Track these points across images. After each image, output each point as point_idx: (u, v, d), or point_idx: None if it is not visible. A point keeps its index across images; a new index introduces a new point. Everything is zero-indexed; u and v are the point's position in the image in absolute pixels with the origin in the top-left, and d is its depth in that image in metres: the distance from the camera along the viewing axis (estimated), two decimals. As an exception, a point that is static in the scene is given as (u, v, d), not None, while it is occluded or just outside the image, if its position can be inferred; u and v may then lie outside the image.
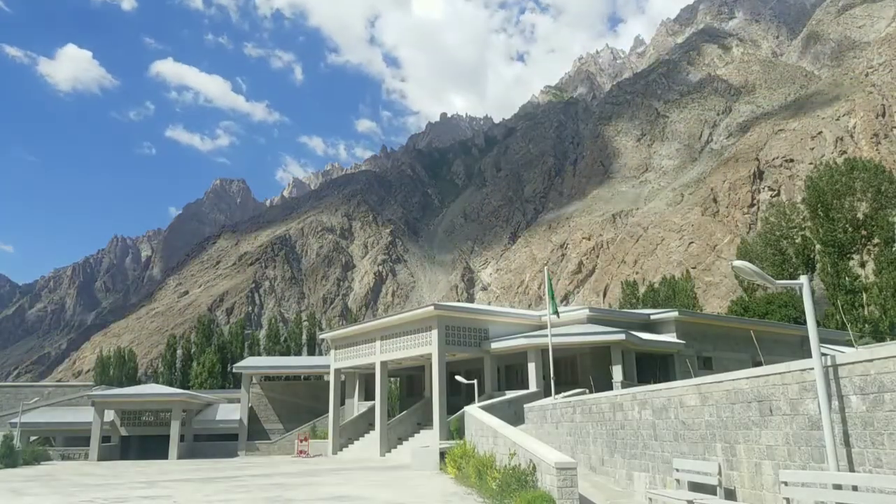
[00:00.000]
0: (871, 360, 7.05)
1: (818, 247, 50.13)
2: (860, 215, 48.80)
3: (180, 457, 40.32)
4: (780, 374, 8.67)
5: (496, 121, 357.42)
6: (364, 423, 37.64)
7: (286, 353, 71.92)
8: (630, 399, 13.54)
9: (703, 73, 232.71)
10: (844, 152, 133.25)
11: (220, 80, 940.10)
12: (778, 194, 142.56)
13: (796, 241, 53.43)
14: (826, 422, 7.43)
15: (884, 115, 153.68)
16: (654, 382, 15.19)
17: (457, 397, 33.10)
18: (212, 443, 44.29)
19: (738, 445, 9.55)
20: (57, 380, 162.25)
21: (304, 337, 78.89)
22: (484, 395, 30.17)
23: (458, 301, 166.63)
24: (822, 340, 11.37)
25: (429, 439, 29.41)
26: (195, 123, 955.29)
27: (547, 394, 25.80)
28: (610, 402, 14.76)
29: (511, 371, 33.80)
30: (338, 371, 38.29)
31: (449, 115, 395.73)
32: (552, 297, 22.98)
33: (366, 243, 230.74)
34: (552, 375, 22.08)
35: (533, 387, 28.45)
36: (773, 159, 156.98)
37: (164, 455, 40.46)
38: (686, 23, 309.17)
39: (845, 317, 43.31)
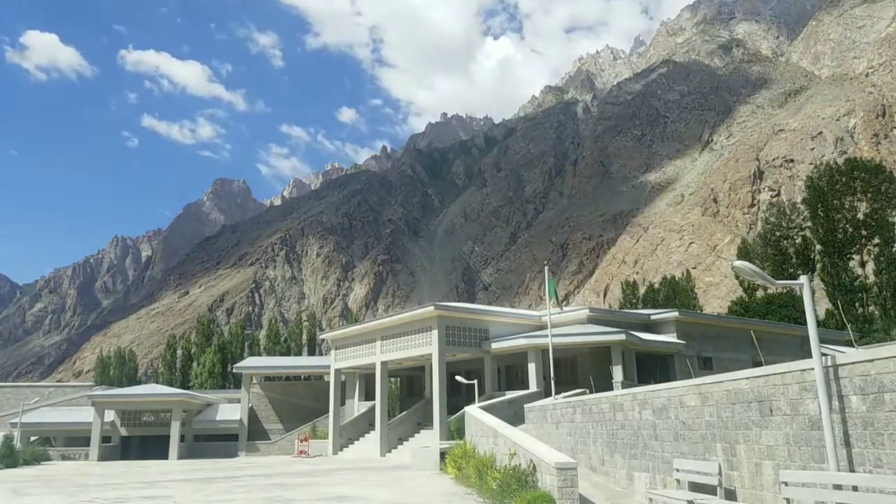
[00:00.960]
0: (871, 361, 7.04)
1: (818, 247, 50.13)
2: (860, 215, 48.80)
3: (180, 457, 40.32)
4: (780, 374, 8.67)
5: (496, 121, 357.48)
6: (364, 424, 37.65)
7: (286, 353, 71.92)
8: (630, 399, 13.54)
9: (703, 73, 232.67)
10: (844, 152, 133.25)
11: (196, 66, 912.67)
12: (778, 194, 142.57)
13: (796, 241, 53.44)
14: (826, 422, 7.42)
15: (884, 116, 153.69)
16: (655, 383, 15.19)
17: (457, 397, 33.10)
18: (212, 443, 44.29)
19: (738, 445, 9.56)
20: (57, 380, 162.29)
21: (304, 337, 78.93)
22: (484, 395, 30.17)
23: (459, 301, 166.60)
24: (823, 340, 11.36)
25: (429, 439, 29.41)
26: (172, 113, 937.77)
27: (547, 394, 25.80)
28: (610, 402, 14.76)
29: (511, 371, 33.80)
30: (338, 371, 38.29)
31: (449, 115, 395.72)
32: (554, 293, 22.96)
33: (366, 243, 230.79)
34: (552, 375, 22.08)
35: (533, 387, 28.44)
36: (774, 159, 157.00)
37: (164, 455, 40.46)
38: (686, 23, 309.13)
39: (845, 317, 43.32)
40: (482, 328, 31.38)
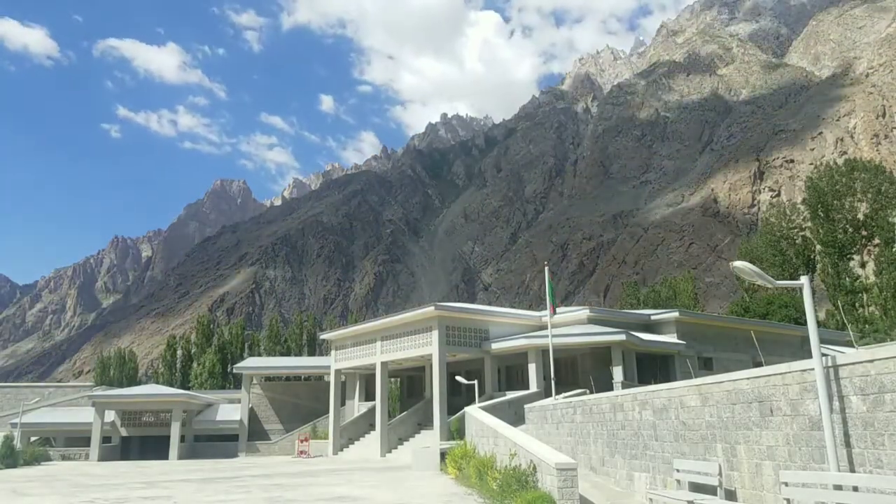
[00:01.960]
0: (871, 361, 7.05)
1: (818, 247, 50.12)
2: (860, 216, 48.78)
3: (181, 457, 40.33)
4: (780, 374, 8.67)
5: (497, 121, 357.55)
6: (364, 424, 37.64)
7: (286, 353, 71.84)
8: (630, 399, 13.55)
9: (703, 74, 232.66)
10: (845, 153, 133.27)
11: (170, 52, 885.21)
12: (778, 195, 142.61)
13: (797, 241, 53.42)
14: (826, 422, 7.42)
15: (884, 116, 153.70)
16: (655, 383, 15.19)
17: (457, 398, 33.09)
18: (212, 443, 44.30)
19: (738, 446, 9.56)
20: (57, 380, 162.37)
21: (304, 337, 78.86)
22: (484, 395, 30.16)
23: (459, 301, 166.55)
24: (823, 341, 11.37)
25: (429, 440, 29.41)
26: (149, 103, 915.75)
27: (547, 394, 25.80)
28: (610, 402, 14.76)
29: (511, 371, 33.79)
30: (338, 371, 38.29)
31: (449, 116, 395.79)
32: (551, 294, 22.94)
33: (366, 243, 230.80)
34: (552, 376, 22.07)
35: (533, 387, 28.44)
36: (774, 160, 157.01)
37: (164, 455, 40.47)
38: (687, 23, 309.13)
39: (846, 317, 43.30)
40: (482, 328, 31.38)
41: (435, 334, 29.64)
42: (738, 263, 8.20)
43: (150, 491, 18.11)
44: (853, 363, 7.30)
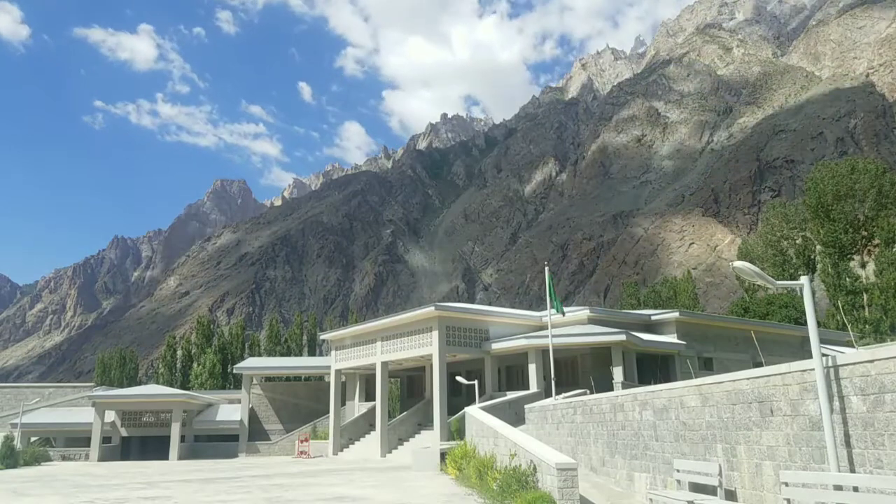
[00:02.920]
0: (871, 361, 7.04)
1: (819, 248, 50.10)
2: (861, 216, 48.78)
3: (181, 457, 40.32)
4: (780, 374, 8.66)
5: (497, 121, 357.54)
6: (365, 424, 37.64)
7: (287, 353, 71.82)
8: (631, 400, 13.54)
9: (703, 74, 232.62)
10: (845, 153, 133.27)
11: (146, 38, 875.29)
12: (778, 195, 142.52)
13: (797, 241, 53.41)
14: (827, 422, 7.42)
15: (884, 116, 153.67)
16: (655, 383, 15.19)
17: (457, 398, 33.09)
18: (212, 443, 44.29)
19: (738, 446, 9.55)
20: (58, 380, 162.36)
21: (304, 338, 78.86)
22: (484, 395, 30.16)
23: (459, 302, 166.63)
24: (823, 341, 11.36)
25: (429, 440, 29.41)
26: (125, 93, 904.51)
27: (547, 394, 25.80)
28: (611, 402, 14.75)
29: (512, 372, 33.79)
30: (338, 372, 38.29)
31: (449, 116, 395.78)
32: (552, 294, 22.93)
33: (366, 243, 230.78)
34: (553, 376, 22.07)
35: (533, 387, 28.43)
36: (774, 160, 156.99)
37: (164, 456, 40.47)
38: (687, 23, 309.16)
39: (846, 317, 43.28)
40: (482, 328, 31.37)
41: (435, 334, 29.63)
42: (738, 263, 8.20)
43: (151, 491, 18.11)
44: (853, 363, 7.30)
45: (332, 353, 38.65)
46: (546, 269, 25.05)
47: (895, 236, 45.88)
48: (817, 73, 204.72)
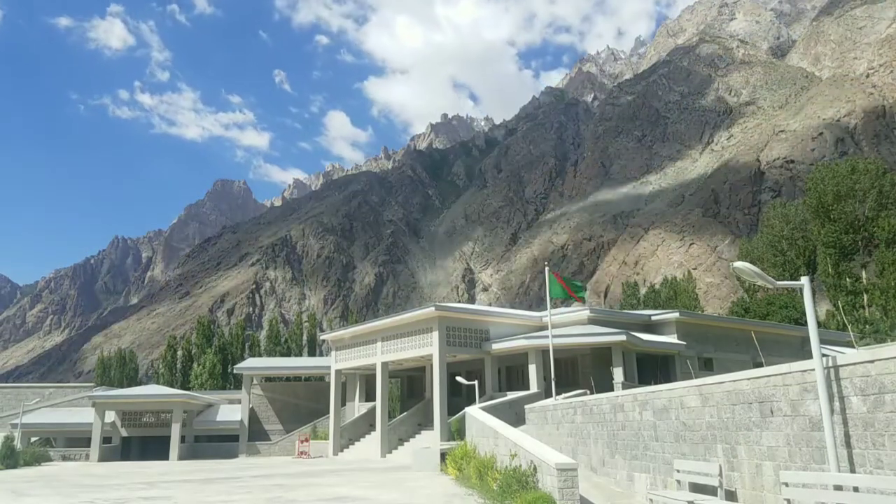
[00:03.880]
0: (871, 362, 7.05)
1: (819, 248, 50.07)
2: (861, 217, 48.75)
3: (181, 458, 40.32)
4: (780, 375, 8.66)
5: (497, 122, 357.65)
6: (365, 424, 37.64)
7: (287, 354, 71.82)
8: (631, 400, 13.54)
9: (703, 74, 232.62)
10: (845, 153, 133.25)
11: (117, 22, 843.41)
12: (779, 195, 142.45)
13: (797, 242, 53.39)
14: (827, 423, 7.42)
15: (884, 116, 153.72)
16: (655, 383, 15.20)
17: (457, 398, 33.09)
18: (212, 444, 44.29)
19: (738, 446, 9.55)
20: (58, 381, 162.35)
21: (304, 338, 78.87)
22: (485, 396, 30.15)
23: (459, 302, 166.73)
24: (823, 341, 11.36)
25: (429, 440, 29.41)
26: (100, 82, 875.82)
27: (548, 395, 25.80)
28: (611, 403, 14.76)
29: (512, 372, 33.79)
30: (339, 372, 38.29)
31: (449, 116, 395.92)
32: (552, 291, 22.90)
33: (366, 244, 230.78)
34: (553, 376, 22.08)
35: (534, 388, 28.43)
36: (774, 160, 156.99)
37: (164, 456, 40.47)
38: (687, 23, 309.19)
39: (846, 318, 43.26)
40: (482, 329, 31.37)
41: (435, 335, 29.63)
42: (738, 264, 8.21)
43: (151, 491, 18.11)
44: (853, 364, 7.30)
45: (332, 353, 38.65)
46: (546, 270, 25.04)
47: (895, 236, 45.85)
48: (817, 74, 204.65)
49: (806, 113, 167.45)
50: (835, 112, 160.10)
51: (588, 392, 24.07)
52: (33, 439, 44.39)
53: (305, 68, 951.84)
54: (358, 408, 40.78)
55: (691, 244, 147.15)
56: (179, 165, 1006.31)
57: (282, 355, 70.08)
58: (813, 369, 7.77)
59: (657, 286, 73.72)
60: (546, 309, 25.05)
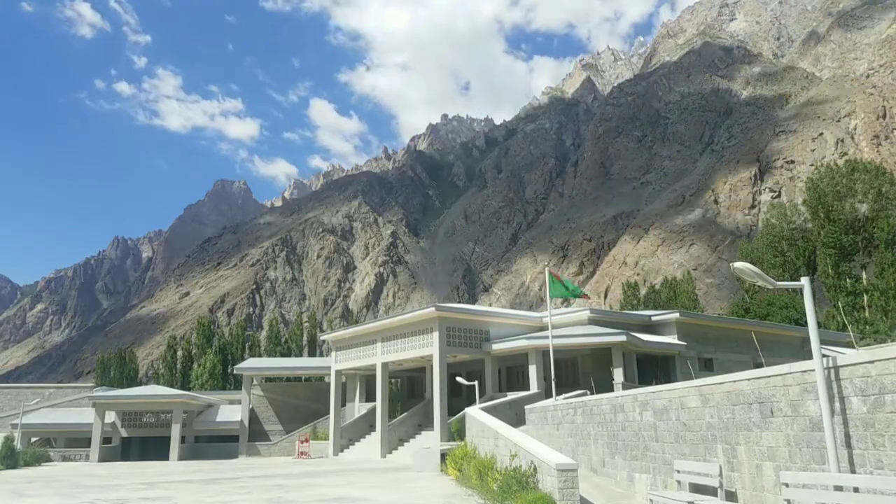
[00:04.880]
0: (871, 362, 7.05)
1: (819, 248, 50.10)
2: (861, 217, 48.77)
3: (181, 458, 40.32)
4: (781, 375, 8.67)
5: (497, 122, 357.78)
6: (365, 425, 37.65)
7: (287, 354, 71.85)
8: (631, 400, 13.55)
9: (703, 75, 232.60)
10: (845, 154, 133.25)
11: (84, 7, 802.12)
12: (779, 196, 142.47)
13: (797, 242, 53.40)
14: (827, 423, 7.43)
15: (885, 117, 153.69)
16: (655, 384, 15.21)
17: (458, 399, 33.12)
18: (212, 444, 44.30)
19: (738, 447, 9.56)
20: (58, 381, 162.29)
21: (304, 338, 78.90)
22: (485, 396, 30.16)
23: (459, 302, 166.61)
24: (823, 342, 11.36)
25: (430, 441, 29.41)
26: (75, 70, 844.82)
27: (548, 395, 25.80)
28: (611, 403, 14.76)
29: (512, 372, 33.80)
30: (339, 372, 38.30)
31: (450, 117, 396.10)
32: (552, 291, 22.88)
33: (367, 244, 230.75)
34: (553, 377, 22.08)
35: (534, 388, 28.44)
36: (774, 160, 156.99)
37: (164, 456, 40.47)
38: (687, 23, 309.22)
39: (846, 318, 43.28)
40: (483, 329, 31.38)
41: (435, 335, 29.64)
42: (738, 264, 8.21)
43: (151, 492, 18.11)
44: (854, 364, 7.30)
45: (333, 353, 38.65)
46: (546, 270, 25.06)
47: (895, 237, 45.85)
48: (817, 74, 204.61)
49: (806, 113, 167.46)
50: (835, 113, 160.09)
51: (588, 392, 24.07)
52: (33, 440, 44.39)
53: (284, 55, 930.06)
54: (358, 408, 40.79)
55: (691, 244, 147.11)
56: (169, 161, 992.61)
57: (282, 355, 70.11)
58: (813, 370, 7.77)
59: (657, 286, 73.70)
60: (546, 309, 25.05)
